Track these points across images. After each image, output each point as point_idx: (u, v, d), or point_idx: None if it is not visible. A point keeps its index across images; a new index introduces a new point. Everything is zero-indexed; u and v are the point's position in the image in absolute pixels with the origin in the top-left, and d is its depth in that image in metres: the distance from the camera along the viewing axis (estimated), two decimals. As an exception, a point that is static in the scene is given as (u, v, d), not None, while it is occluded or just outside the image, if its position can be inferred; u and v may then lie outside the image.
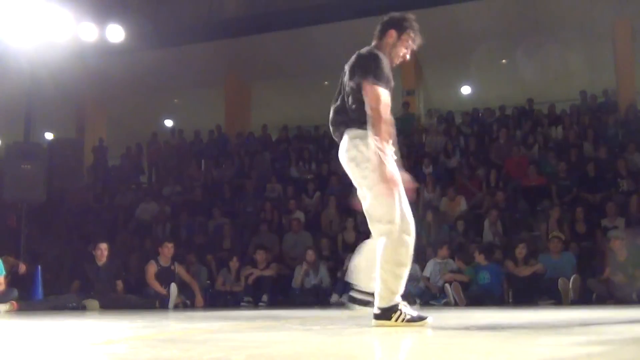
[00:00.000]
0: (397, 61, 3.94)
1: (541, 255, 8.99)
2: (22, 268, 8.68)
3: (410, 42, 3.91)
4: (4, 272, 7.97)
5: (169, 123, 19.70)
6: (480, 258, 8.99)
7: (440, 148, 13.14)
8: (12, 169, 9.59)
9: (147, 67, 15.60)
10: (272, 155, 14.63)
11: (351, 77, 3.74)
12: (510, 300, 8.84)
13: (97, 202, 14.33)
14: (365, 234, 10.58)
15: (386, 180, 3.52)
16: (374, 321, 3.71)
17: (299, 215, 11.44)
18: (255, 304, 9.35)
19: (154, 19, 15.35)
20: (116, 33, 10.83)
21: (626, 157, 11.17)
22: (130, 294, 9.02)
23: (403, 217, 3.59)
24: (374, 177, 3.58)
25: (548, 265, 8.73)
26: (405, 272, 3.66)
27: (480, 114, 14.79)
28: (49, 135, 19.06)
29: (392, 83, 3.78)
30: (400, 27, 3.87)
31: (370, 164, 3.59)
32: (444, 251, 9.18)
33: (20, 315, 6.93)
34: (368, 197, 3.68)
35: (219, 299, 9.89)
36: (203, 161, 15.76)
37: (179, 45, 15.32)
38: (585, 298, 8.22)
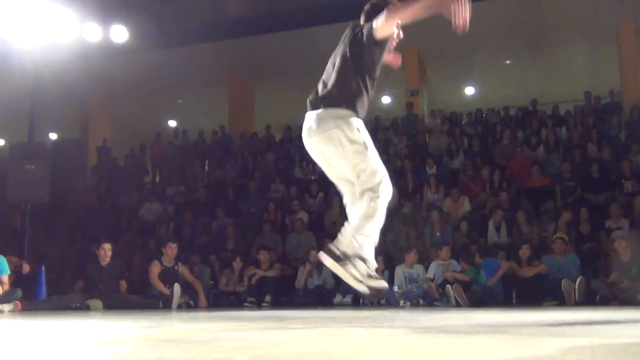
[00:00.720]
0: (393, 43, 3.89)
1: (545, 256, 8.97)
2: (26, 268, 8.69)
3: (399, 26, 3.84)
4: (8, 272, 7.98)
5: (172, 123, 19.74)
6: (477, 257, 9.01)
7: (444, 149, 13.13)
8: (16, 169, 9.61)
9: (150, 68, 15.62)
10: (275, 156, 14.63)
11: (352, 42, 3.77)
12: (514, 301, 8.82)
13: (100, 203, 14.35)
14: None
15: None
16: (325, 257, 3.70)
17: (303, 215, 11.45)
18: (258, 305, 9.35)
19: (157, 20, 15.38)
20: (120, 33, 10.85)
21: (630, 158, 11.15)
22: (134, 294, 9.03)
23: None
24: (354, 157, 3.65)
25: (552, 266, 8.72)
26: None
27: (484, 115, 14.78)
28: (53, 136, 19.12)
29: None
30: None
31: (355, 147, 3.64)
32: (444, 252, 9.16)
33: (24, 315, 6.94)
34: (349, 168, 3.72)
35: (222, 300, 9.89)
36: (207, 161, 15.78)
37: (182, 46, 15.34)
38: (589, 299, 8.20)
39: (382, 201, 3.73)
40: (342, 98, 3.72)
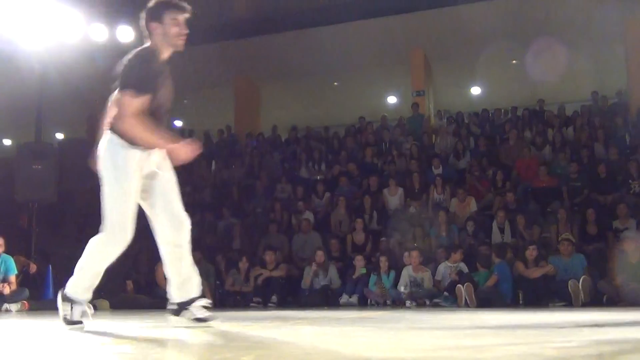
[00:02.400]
0: (180, 42, 3.88)
1: (552, 257, 8.93)
2: (33, 268, 8.73)
3: (177, 18, 3.81)
4: (15, 272, 8.02)
5: (178, 123, 19.76)
6: (494, 257, 8.98)
7: (450, 149, 13.11)
8: (24, 169, 9.65)
9: (156, 68, 15.63)
10: (281, 156, 14.64)
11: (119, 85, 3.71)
12: (521, 302, 8.79)
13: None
14: (375, 234, 10.56)
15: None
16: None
17: (309, 215, 11.45)
18: (264, 305, 9.35)
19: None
20: (126, 34, 10.87)
21: (637, 158, 11.08)
22: (140, 294, 9.05)
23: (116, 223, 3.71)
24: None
25: (559, 267, 8.68)
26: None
27: (490, 115, 14.75)
28: (59, 136, 19.16)
29: (156, 85, 3.73)
30: (158, 15, 3.78)
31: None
32: (457, 256, 9.12)
33: (31, 314, 6.97)
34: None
35: (228, 300, 9.90)
36: (213, 162, 15.80)
37: (188, 46, 15.26)
38: (596, 300, 8.17)
39: None
40: None
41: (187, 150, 3.81)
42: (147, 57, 3.70)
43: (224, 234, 11.86)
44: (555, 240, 9.38)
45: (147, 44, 3.81)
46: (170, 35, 3.80)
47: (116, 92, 3.70)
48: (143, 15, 3.80)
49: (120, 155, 3.65)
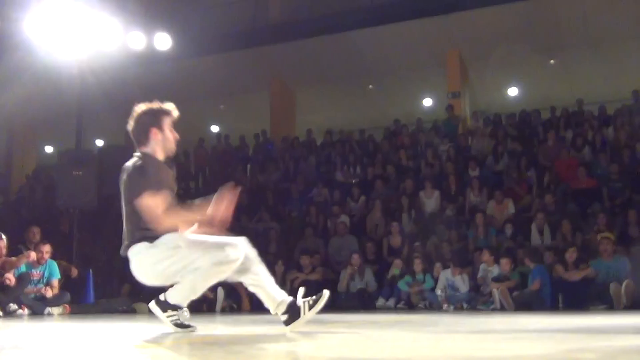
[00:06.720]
0: (174, 147, 3.99)
1: (593, 261, 8.75)
2: (74, 272, 8.89)
3: (171, 122, 3.96)
4: (58, 276, 8.18)
5: (215, 129, 19.95)
6: (527, 262, 8.84)
7: (487, 151, 12.97)
8: (65, 175, 9.84)
9: (192, 74, 15.82)
10: (317, 160, 14.66)
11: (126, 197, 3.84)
12: (561, 305, 8.64)
13: (145, 208, 14.55)
14: (411, 237, 10.47)
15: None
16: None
17: (344, 219, 11.45)
18: (301, 308, 9.35)
19: (200, 27, 15.59)
20: (163, 41, 11.01)
21: (681, 158, 10.83)
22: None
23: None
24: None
25: (600, 270, 8.50)
26: None
27: (528, 116, 14.53)
28: (99, 142, 19.51)
29: (168, 180, 3.92)
30: (157, 120, 3.90)
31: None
32: (492, 258, 9.02)
33: (72, 318, 7.10)
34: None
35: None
36: (249, 166, 15.91)
37: (224, 52, 15.51)
38: (639, 304, 7.98)
39: None
40: None
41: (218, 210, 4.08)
42: (150, 162, 3.81)
43: (261, 238, 11.91)
44: (596, 243, 9.20)
45: (145, 150, 3.90)
46: (168, 140, 3.95)
47: (130, 205, 3.82)
48: (137, 118, 3.94)
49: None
